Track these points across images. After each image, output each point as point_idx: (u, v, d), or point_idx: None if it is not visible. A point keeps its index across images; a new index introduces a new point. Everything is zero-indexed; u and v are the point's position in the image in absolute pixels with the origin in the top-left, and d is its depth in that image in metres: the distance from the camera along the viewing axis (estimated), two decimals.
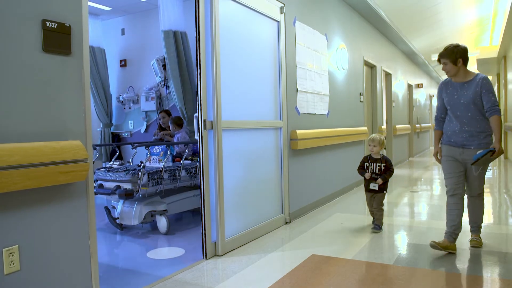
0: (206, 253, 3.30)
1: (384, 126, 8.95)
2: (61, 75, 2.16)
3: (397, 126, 9.89)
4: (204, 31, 3.30)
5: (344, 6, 6.37)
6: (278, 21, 4.33)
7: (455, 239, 3.31)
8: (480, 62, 12.45)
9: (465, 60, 3.27)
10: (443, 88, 3.42)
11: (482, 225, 3.51)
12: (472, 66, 14.81)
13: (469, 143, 3.24)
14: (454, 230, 3.29)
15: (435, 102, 18.51)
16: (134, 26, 6.48)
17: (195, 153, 5.00)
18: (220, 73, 3.39)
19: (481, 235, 3.51)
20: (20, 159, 1.85)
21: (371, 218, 4.20)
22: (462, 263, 3.12)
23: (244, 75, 3.79)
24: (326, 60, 5.57)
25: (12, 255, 1.91)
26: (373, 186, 4.05)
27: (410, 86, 12.21)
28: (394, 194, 6.40)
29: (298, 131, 4.55)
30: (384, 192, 4.09)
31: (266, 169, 4.10)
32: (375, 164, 4.09)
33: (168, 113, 5.67)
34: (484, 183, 3.37)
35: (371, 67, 8.11)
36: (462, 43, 3.31)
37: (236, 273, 2.98)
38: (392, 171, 4.07)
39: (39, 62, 2.05)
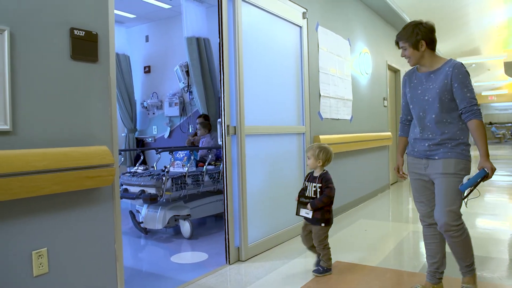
0: (229, 258, 3.30)
1: None
2: (88, 82, 2.21)
3: None
4: (227, 37, 3.32)
5: (366, 10, 6.32)
6: (300, 27, 4.33)
7: (440, 279, 2.60)
8: (508, 66, 12.15)
9: (431, 43, 2.43)
10: (407, 81, 2.59)
11: (475, 262, 2.53)
12: (499, 70, 14.41)
13: (433, 153, 2.42)
14: (436, 268, 2.58)
15: None
16: (158, 33, 6.58)
17: (218, 158, 5.02)
18: (243, 79, 3.41)
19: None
20: (49, 164, 1.90)
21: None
22: (490, 271, 3.03)
23: (266, 80, 3.80)
24: (349, 65, 5.53)
25: (41, 258, 1.96)
26: (305, 212, 2.98)
27: None
28: None
29: (321, 136, 4.52)
30: (322, 225, 2.95)
31: (289, 175, 4.08)
32: (312, 184, 3.04)
33: (206, 118, 5.65)
34: (458, 209, 2.34)
35: (395, 71, 8.01)
36: (427, 22, 2.43)
37: (260, 279, 2.98)
38: (328, 196, 2.93)
39: (68, 70, 2.10)
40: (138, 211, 4.48)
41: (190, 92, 6.02)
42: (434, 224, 2.51)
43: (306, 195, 3.04)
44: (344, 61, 5.37)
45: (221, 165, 3.70)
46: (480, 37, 9.99)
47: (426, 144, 2.45)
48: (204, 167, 4.50)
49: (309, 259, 3.44)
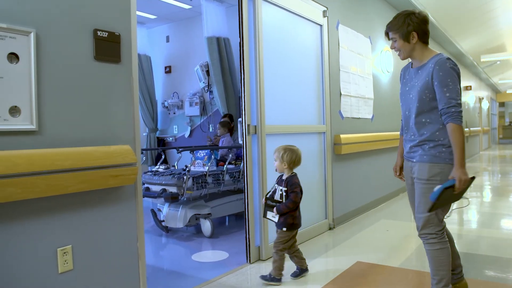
0: (249, 257, 3.30)
1: None
2: (111, 83, 2.24)
3: None
4: (248, 36, 3.33)
5: (388, 8, 6.24)
6: (321, 25, 4.30)
7: (459, 278, 2.48)
8: None
9: (423, 35, 2.23)
10: (402, 76, 2.44)
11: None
12: None
13: (412, 156, 2.29)
14: (453, 269, 2.40)
15: (485, 105, 17.70)
16: (179, 34, 6.64)
17: (238, 157, 5.04)
18: (264, 78, 3.40)
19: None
20: (73, 163, 1.93)
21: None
22: None
23: (287, 79, 3.79)
24: (370, 63, 5.47)
25: (66, 255, 2.00)
26: (272, 216, 2.85)
27: None
28: None
29: (342, 136, 4.48)
30: (284, 229, 2.82)
31: (309, 174, 4.06)
32: (279, 187, 2.91)
33: (231, 118, 5.67)
34: (431, 217, 2.19)
35: None
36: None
37: None
38: (293, 201, 2.79)
39: (91, 70, 2.14)
40: (159, 210, 4.53)
41: (211, 92, 6.06)
42: None
43: (275, 198, 2.90)
44: (365, 59, 5.31)
45: (242, 164, 3.71)
46: (506, 34, 9.73)
47: (408, 146, 2.33)
48: (225, 166, 4.52)
49: (330, 259, 3.43)
